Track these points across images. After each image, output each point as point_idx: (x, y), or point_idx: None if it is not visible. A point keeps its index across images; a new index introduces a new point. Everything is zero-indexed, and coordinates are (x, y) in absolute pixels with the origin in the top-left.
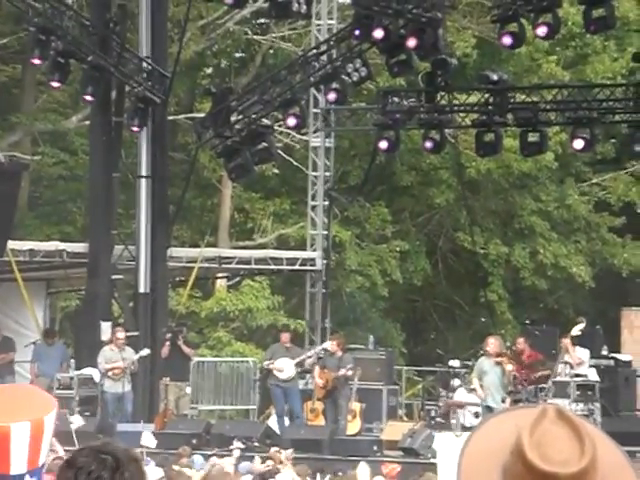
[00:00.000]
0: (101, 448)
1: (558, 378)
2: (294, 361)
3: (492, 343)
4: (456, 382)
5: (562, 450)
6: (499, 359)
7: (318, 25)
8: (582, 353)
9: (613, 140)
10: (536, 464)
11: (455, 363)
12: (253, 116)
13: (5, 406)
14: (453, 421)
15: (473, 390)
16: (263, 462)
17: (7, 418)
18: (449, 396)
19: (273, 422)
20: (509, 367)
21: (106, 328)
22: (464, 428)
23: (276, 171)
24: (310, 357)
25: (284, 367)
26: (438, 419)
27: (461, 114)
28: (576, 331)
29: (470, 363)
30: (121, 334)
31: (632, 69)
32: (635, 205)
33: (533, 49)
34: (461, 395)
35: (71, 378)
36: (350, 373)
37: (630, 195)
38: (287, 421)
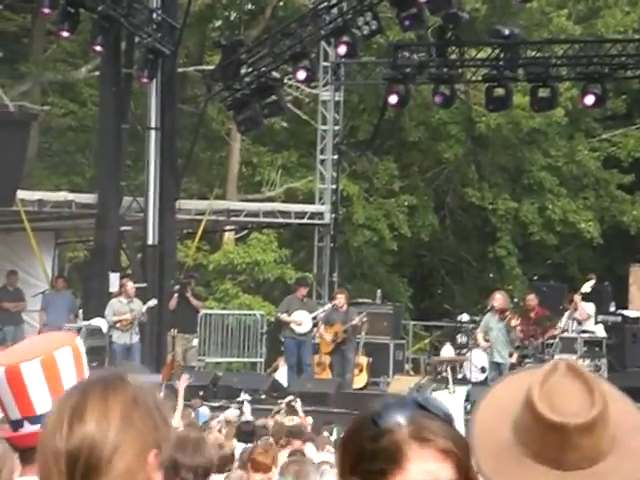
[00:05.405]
0: None
1: (565, 334)
2: (311, 315)
3: (498, 299)
4: (463, 338)
5: (572, 402)
6: (503, 315)
7: None
8: (588, 308)
9: (624, 96)
10: (545, 414)
11: (464, 317)
12: (263, 69)
13: (20, 350)
14: (460, 376)
15: (478, 345)
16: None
17: (16, 358)
18: (437, 354)
19: (280, 375)
20: (513, 322)
21: (114, 279)
22: (471, 383)
23: (285, 124)
24: (324, 312)
25: (303, 321)
26: (444, 374)
27: (471, 69)
28: (587, 288)
29: (478, 318)
30: (130, 285)
31: None
32: None
33: (544, 3)
34: (448, 351)
35: (79, 329)
36: (364, 320)
37: None
38: None
